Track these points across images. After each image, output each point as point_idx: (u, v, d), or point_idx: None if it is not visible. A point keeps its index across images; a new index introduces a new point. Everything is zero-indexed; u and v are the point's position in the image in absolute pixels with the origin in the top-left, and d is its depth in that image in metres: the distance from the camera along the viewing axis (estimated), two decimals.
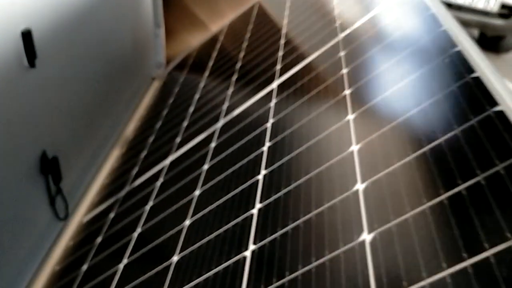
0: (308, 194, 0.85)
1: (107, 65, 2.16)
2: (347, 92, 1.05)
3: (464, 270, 0.55)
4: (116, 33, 2.22)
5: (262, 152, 1.13)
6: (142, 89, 2.55)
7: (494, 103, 0.73)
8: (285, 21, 1.89)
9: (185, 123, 1.80)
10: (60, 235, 1.70)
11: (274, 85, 1.43)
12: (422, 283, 0.56)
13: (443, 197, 0.64)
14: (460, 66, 0.88)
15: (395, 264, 0.61)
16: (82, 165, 1.93)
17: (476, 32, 4.40)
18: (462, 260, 0.55)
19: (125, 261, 1.22)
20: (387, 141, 0.82)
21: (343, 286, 0.64)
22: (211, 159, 1.33)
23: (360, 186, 0.77)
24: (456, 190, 0.64)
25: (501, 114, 0.70)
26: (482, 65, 0.85)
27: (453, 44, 0.95)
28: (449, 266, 0.56)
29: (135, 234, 1.31)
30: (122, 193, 1.69)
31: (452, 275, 0.54)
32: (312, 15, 1.69)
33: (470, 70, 0.85)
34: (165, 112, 2.13)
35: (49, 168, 1.67)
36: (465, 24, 4.05)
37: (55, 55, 1.67)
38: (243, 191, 1.05)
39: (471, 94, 0.79)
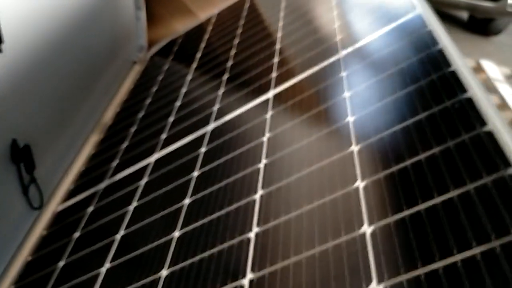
0: (312, 228, 0.85)
1: (85, 47, 2.08)
2: (350, 119, 1.05)
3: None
4: (94, 14, 2.14)
5: (258, 169, 1.12)
6: (122, 73, 2.48)
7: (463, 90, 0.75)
8: (280, 24, 1.86)
9: (171, 118, 1.76)
10: (34, 225, 1.65)
11: (270, 94, 1.41)
12: None
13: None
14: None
15: None
16: (58, 152, 1.87)
17: (465, 15, 4.46)
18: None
19: (107, 265, 1.20)
20: (393, 181, 0.83)
21: None
22: (201, 166, 1.31)
23: (367, 229, 0.77)
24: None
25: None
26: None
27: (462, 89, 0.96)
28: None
29: (118, 236, 1.28)
30: (102, 185, 1.65)
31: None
32: (311, 23, 1.68)
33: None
34: (148, 101, 2.08)
35: (21, 156, 1.61)
36: (454, 6, 4.09)
37: (23, 38, 1.59)
38: (239, 209, 1.04)
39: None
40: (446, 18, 4.50)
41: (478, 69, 1.69)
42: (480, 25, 4.21)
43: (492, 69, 1.66)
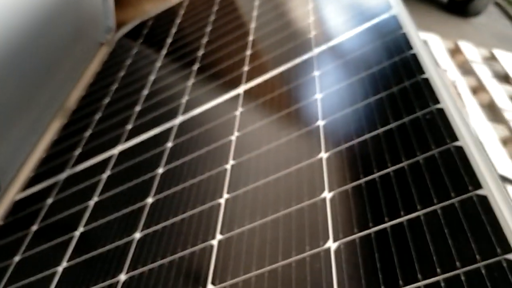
0: (276, 239, 0.82)
1: (48, 27, 1.98)
2: (320, 123, 1.02)
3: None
4: None
5: (225, 170, 1.08)
6: (88, 55, 2.39)
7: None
8: (254, 13, 1.81)
9: (137, 108, 1.70)
10: None
11: (241, 89, 1.37)
12: None
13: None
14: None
15: None
16: (18, 137, 1.79)
17: None
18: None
19: (65, 263, 1.15)
20: (360, 193, 0.81)
21: None
22: (167, 162, 1.27)
23: (332, 245, 0.75)
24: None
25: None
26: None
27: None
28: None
29: (77, 233, 1.24)
30: (63, 175, 1.58)
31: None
32: (285, 15, 1.63)
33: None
34: (114, 86, 2.01)
35: None
36: None
37: None
38: (202, 213, 1.00)
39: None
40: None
41: (456, 50, 1.68)
42: (459, 7, 4.25)
43: (470, 51, 1.65)
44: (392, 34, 1.14)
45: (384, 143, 0.86)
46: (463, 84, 1.42)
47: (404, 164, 0.79)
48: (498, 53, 1.66)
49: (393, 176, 0.79)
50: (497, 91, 1.42)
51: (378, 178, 0.80)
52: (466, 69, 1.59)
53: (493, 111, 1.37)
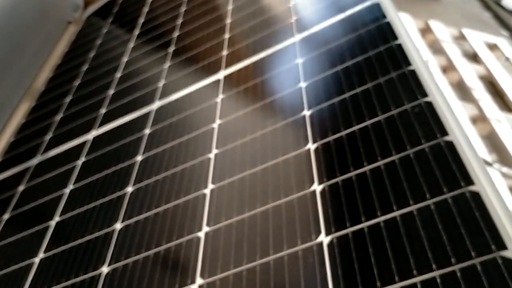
0: (266, 232, 0.82)
1: (12, 5, 1.89)
2: (306, 113, 1.01)
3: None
4: None
5: (209, 160, 1.07)
6: (56, 34, 2.29)
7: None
8: None
9: (111, 91, 1.65)
10: None
11: (221, 75, 1.34)
12: None
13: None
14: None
15: None
16: None
17: None
18: None
19: (41, 254, 1.12)
20: (351, 185, 0.81)
21: None
22: (145, 149, 1.24)
23: (325, 239, 0.75)
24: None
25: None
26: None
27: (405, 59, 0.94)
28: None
29: (53, 223, 1.20)
30: (34, 161, 1.53)
31: None
32: None
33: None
34: (84, 67, 1.94)
35: None
36: None
37: None
38: (187, 204, 0.99)
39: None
40: None
41: (427, 30, 1.69)
42: None
43: (441, 30, 1.66)
44: (375, 22, 1.14)
45: (373, 135, 0.86)
46: (434, 64, 1.44)
47: (395, 157, 0.80)
48: (467, 32, 1.68)
49: (384, 170, 0.79)
50: (466, 70, 1.44)
51: (368, 171, 0.81)
52: (436, 48, 1.60)
53: (462, 90, 1.39)
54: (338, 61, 1.09)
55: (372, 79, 0.98)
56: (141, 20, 2.04)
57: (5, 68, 1.86)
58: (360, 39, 1.11)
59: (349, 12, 1.24)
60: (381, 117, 0.88)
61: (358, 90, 0.98)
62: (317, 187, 0.83)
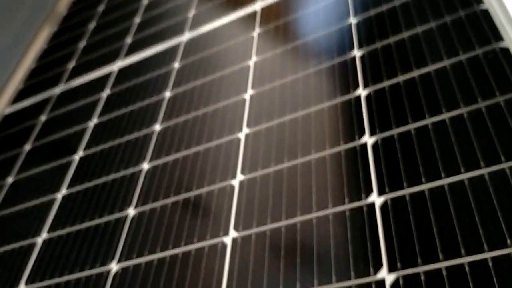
0: (308, 133, 0.74)
1: None
2: (357, 53, 0.91)
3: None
4: None
5: (244, 101, 0.98)
6: None
7: None
8: None
9: (137, 19, 1.54)
10: None
11: (258, 6, 1.23)
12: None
13: None
14: None
15: None
16: (4, 44, 1.63)
17: None
18: None
19: (64, 190, 1.07)
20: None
21: None
22: (174, 85, 1.15)
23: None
24: None
25: None
26: None
27: None
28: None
29: (76, 158, 1.14)
30: (56, 90, 1.46)
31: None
32: None
33: None
34: None
35: None
36: None
37: None
38: (219, 147, 0.91)
39: None
40: None
41: None
42: None
43: None
44: None
45: (437, 84, 0.76)
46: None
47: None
48: None
49: (450, 125, 0.69)
50: None
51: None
52: None
53: None
54: None
55: (436, 17, 0.86)
56: None
57: None
58: None
59: None
60: (446, 62, 0.78)
61: (419, 29, 0.86)
62: (368, 140, 0.74)
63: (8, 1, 1.69)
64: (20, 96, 1.57)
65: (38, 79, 1.59)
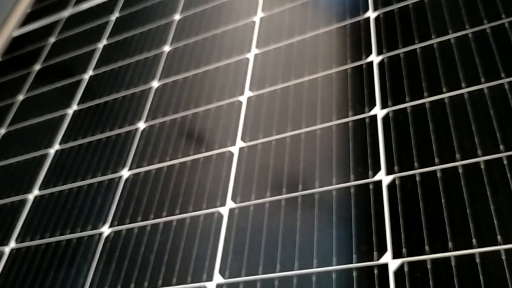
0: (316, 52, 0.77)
1: None
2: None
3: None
4: None
5: (253, 23, 0.99)
6: None
7: None
8: None
9: None
10: None
11: None
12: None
13: None
14: None
15: None
16: None
17: None
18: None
19: (74, 106, 1.11)
20: None
21: None
22: (183, 9, 1.16)
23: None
24: None
25: None
26: None
27: None
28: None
29: (86, 77, 1.17)
30: (65, 13, 1.47)
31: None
32: None
33: None
34: None
35: None
36: None
37: None
38: (228, 66, 0.94)
39: None
40: None
41: None
42: None
43: None
44: None
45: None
46: None
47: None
48: None
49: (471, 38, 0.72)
50: None
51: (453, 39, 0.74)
52: None
53: None
54: None
55: None
56: None
57: None
58: None
59: None
60: None
61: None
62: (374, 58, 0.77)
63: None
64: (28, 19, 1.57)
65: (46, 3, 1.59)
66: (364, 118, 0.70)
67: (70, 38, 1.34)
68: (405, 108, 0.68)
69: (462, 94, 0.65)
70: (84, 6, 1.44)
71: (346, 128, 0.71)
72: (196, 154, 0.82)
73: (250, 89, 0.87)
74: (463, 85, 0.66)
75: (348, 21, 0.86)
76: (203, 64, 0.98)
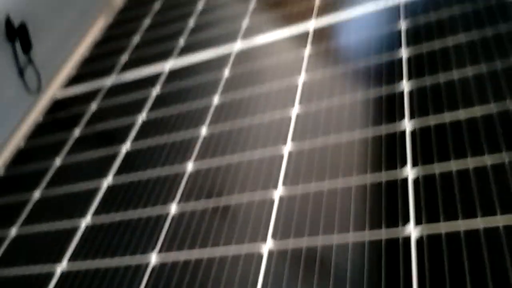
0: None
1: None
2: (405, 85, 0.94)
3: None
4: None
5: (289, 118, 1.03)
6: None
7: None
8: None
9: (191, 21, 1.61)
10: (30, 110, 1.55)
11: (311, 26, 1.27)
12: None
13: None
14: None
15: None
16: (59, 33, 1.71)
17: None
18: None
19: (110, 178, 1.14)
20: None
21: None
22: (222, 92, 1.21)
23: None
24: None
25: None
26: None
27: None
28: None
29: (123, 150, 1.21)
30: (108, 82, 1.53)
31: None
32: None
33: None
34: None
35: (16, 34, 1.46)
36: None
37: None
38: (262, 160, 0.96)
39: None
40: None
41: None
42: None
43: None
44: None
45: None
46: None
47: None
48: None
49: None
50: None
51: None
52: None
53: None
54: (448, 32, 1.00)
55: (487, 59, 0.89)
56: None
57: None
58: (477, 12, 1.01)
59: None
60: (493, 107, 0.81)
61: (469, 69, 0.90)
62: (409, 172, 0.78)
63: None
64: (72, 82, 1.65)
65: (90, 68, 1.67)
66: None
67: (111, 108, 1.40)
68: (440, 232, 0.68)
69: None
70: (127, 77, 1.50)
71: (379, 247, 0.71)
72: (225, 246, 0.83)
73: (284, 183, 0.89)
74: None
75: (384, 130, 0.88)
76: (238, 152, 1.01)
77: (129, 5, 1.95)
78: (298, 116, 1.02)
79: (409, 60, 1.00)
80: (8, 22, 1.42)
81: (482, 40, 0.94)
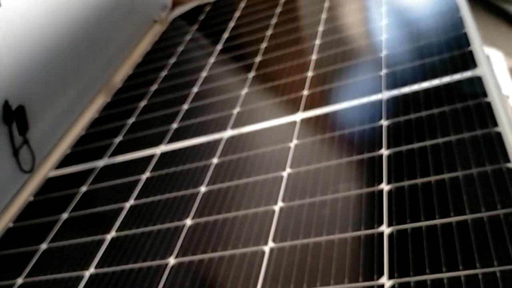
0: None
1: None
2: (385, 187, 0.96)
3: None
4: None
5: (273, 212, 1.04)
6: (141, 31, 2.34)
7: None
8: (320, 28, 1.73)
9: (185, 106, 1.65)
10: (22, 189, 1.56)
11: (298, 117, 1.31)
12: None
13: None
14: None
15: None
16: (57, 113, 1.76)
17: None
18: None
19: (92, 270, 1.13)
20: None
21: None
22: (209, 182, 1.22)
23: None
24: None
25: None
26: None
27: None
28: None
29: (109, 237, 1.21)
30: (100, 163, 1.56)
31: None
32: (353, 39, 1.55)
33: None
34: (163, 73, 1.96)
35: (13, 117, 1.51)
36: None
37: None
38: (244, 256, 0.96)
39: None
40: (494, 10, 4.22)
41: None
42: None
43: None
44: (475, 100, 1.06)
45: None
46: None
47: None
48: None
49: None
50: None
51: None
52: None
53: None
54: (427, 135, 1.03)
55: (464, 167, 0.91)
56: (225, 35, 2.04)
57: (84, 63, 1.91)
58: (455, 114, 1.04)
59: (444, 79, 1.17)
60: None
61: (446, 176, 0.91)
62: (385, 280, 0.78)
63: (70, 72, 1.84)
64: (65, 161, 1.67)
65: (84, 147, 1.70)
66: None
67: (100, 191, 1.41)
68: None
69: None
70: (119, 159, 1.53)
71: None
72: None
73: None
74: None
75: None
76: (220, 248, 1.01)
77: (127, 85, 2.01)
78: (281, 212, 1.02)
79: (389, 157, 1.02)
80: (6, 106, 1.47)
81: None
